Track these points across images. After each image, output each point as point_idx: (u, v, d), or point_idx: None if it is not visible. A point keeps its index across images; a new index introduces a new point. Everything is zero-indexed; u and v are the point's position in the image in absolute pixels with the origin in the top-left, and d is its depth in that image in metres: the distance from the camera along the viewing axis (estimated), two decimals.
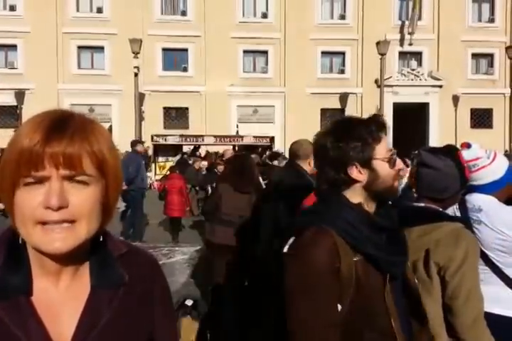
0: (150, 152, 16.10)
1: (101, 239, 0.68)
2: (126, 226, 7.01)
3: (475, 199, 1.75)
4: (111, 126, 18.55)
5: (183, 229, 7.64)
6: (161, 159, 17.72)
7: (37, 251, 0.62)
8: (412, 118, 19.99)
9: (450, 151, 1.54)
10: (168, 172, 8.75)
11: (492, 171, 1.75)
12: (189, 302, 2.94)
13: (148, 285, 0.72)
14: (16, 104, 17.19)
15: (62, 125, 0.60)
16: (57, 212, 0.58)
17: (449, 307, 1.31)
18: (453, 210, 1.79)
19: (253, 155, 7.55)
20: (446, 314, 1.32)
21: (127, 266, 0.70)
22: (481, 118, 20.07)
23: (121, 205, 7.08)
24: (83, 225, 0.61)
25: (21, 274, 0.63)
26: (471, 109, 19.68)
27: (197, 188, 9.62)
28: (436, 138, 19.58)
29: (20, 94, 17.29)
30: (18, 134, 0.61)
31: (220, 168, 8.15)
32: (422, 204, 1.44)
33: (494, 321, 1.56)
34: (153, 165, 16.88)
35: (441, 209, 1.45)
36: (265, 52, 19.35)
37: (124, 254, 0.71)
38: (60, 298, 0.65)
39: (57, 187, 0.58)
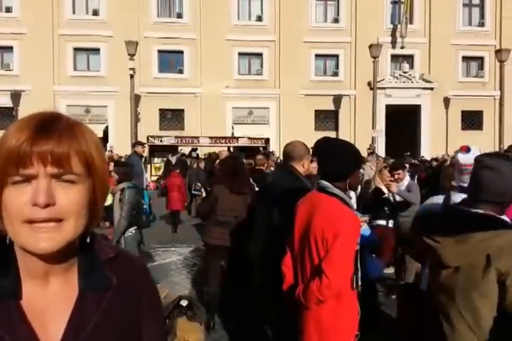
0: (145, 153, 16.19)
1: (88, 241, 0.68)
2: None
3: (459, 199, 1.79)
4: (107, 127, 18.64)
5: (179, 231, 7.82)
6: (156, 160, 17.82)
7: (25, 252, 0.61)
8: (404, 120, 20.25)
9: (508, 157, 1.54)
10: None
11: None
12: (184, 303, 3.06)
13: (136, 289, 0.72)
14: (12, 105, 17.19)
15: (50, 125, 0.60)
16: (44, 209, 0.58)
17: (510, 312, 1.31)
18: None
19: (260, 157, 7.51)
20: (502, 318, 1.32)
21: (115, 270, 0.70)
22: (472, 120, 20.38)
23: None
24: (70, 224, 0.60)
25: (10, 277, 0.63)
26: (462, 111, 19.98)
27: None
28: (427, 140, 19.87)
29: (16, 96, 17.31)
30: (5, 135, 0.60)
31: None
32: (481, 211, 1.41)
33: None
34: (148, 166, 16.96)
35: (501, 217, 1.43)
36: (260, 55, 19.51)
37: (112, 258, 0.71)
38: (49, 301, 0.64)
39: (45, 185, 0.58)
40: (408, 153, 15.85)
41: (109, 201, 7.02)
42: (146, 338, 0.73)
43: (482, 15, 20.22)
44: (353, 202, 2.54)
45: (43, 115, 0.62)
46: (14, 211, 0.58)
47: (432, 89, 19.73)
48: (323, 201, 1.82)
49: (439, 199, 1.96)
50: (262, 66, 19.60)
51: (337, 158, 1.84)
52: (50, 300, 0.65)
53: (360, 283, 1.79)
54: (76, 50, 18.58)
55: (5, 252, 0.64)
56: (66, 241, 0.60)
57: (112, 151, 15.73)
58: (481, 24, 20.16)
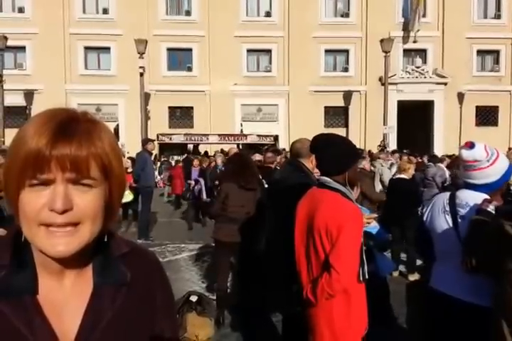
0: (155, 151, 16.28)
1: (105, 239, 0.69)
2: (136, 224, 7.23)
3: (465, 195, 1.81)
4: (118, 125, 18.80)
5: (189, 228, 7.89)
6: (166, 158, 17.92)
7: (40, 252, 0.62)
8: (416, 116, 19.94)
9: None
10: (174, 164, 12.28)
11: (487, 174, 1.76)
12: (194, 298, 3.05)
13: (150, 284, 0.73)
14: (25, 104, 17.52)
15: (69, 128, 0.60)
16: (61, 215, 0.58)
17: None
18: (443, 204, 1.87)
19: (257, 155, 7.69)
20: None
21: (129, 265, 0.70)
22: (487, 116, 19.94)
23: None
24: (86, 228, 0.61)
25: (27, 273, 0.64)
26: (477, 107, 19.56)
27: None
28: (440, 136, 19.52)
29: (29, 95, 17.62)
30: (23, 135, 0.60)
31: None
32: None
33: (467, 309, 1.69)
34: (158, 163, 17.07)
35: None
36: (269, 51, 19.41)
37: (127, 253, 0.71)
38: (64, 297, 0.66)
39: (62, 191, 0.58)
40: (405, 151, 15.34)
41: (129, 197, 7.14)
42: (159, 333, 0.73)
43: (498, 7, 19.68)
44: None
45: (61, 116, 0.61)
46: (31, 214, 0.59)
47: (445, 84, 19.36)
48: (324, 196, 1.84)
49: (445, 196, 1.94)
50: (270, 62, 19.51)
51: (334, 153, 1.87)
52: (66, 294, 0.66)
53: (367, 276, 1.79)
54: (87, 49, 18.79)
55: (23, 249, 0.65)
56: (82, 245, 0.61)
57: (121, 149, 15.83)
58: (497, 16, 19.64)
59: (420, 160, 10.36)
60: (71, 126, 0.60)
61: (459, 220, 1.77)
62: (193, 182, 8.15)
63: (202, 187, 7.78)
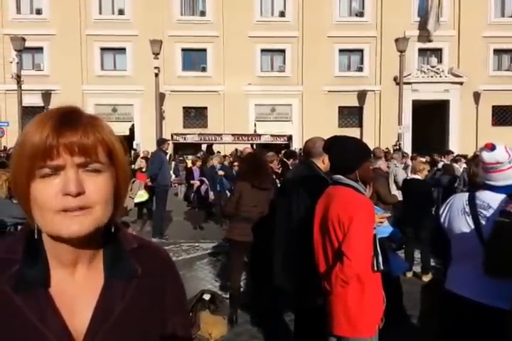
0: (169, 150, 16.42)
1: (112, 230, 0.69)
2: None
3: (485, 196, 1.79)
4: (133, 125, 19.07)
5: (203, 227, 7.97)
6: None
7: (54, 241, 0.63)
8: (431, 116, 19.66)
9: None
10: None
11: (508, 176, 1.75)
12: (207, 297, 3.09)
13: (160, 280, 0.73)
14: (42, 104, 17.88)
15: (72, 118, 0.62)
16: (75, 198, 0.60)
17: None
18: (462, 206, 1.86)
19: (271, 153, 7.68)
20: None
21: (140, 260, 0.71)
22: (503, 116, 19.56)
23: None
24: (99, 210, 0.62)
25: (39, 267, 0.65)
26: (493, 106, 19.21)
27: None
28: (456, 136, 19.22)
29: (46, 95, 17.99)
30: (27, 132, 0.61)
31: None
32: None
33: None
34: (173, 163, 17.24)
35: None
36: (283, 51, 19.39)
37: (136, 249, 0.72)
38: (76, 290, 0.67)
39: (74, 175, 0.60)
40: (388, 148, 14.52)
41: (144, 197, 7.23)
42: (170, 327, 0.74)
43: None
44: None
45: (63, 109, 0.64)
46: (45, 203, 0.60)
47: (461, 83, 19.06)
48: (337, 191, 1.97)
49: (463, 196, 1.93)
50: (284, 62, 19.49)
51: (344, 153, 1.98)
52: (77, 288, 0.67)
53: (381, 267, 1.85)
54: (103, 49, 19.06)
55: (34, 243, 0.66)
56: (96, 225, 0.62)
57: (136, 149, 16.04)
58: None
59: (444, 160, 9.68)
60: (74, 116, 0.63)
61: (482, 222, 1.75)
62: (197, 182, 8.11)
63: (208, 186, 7.76)
